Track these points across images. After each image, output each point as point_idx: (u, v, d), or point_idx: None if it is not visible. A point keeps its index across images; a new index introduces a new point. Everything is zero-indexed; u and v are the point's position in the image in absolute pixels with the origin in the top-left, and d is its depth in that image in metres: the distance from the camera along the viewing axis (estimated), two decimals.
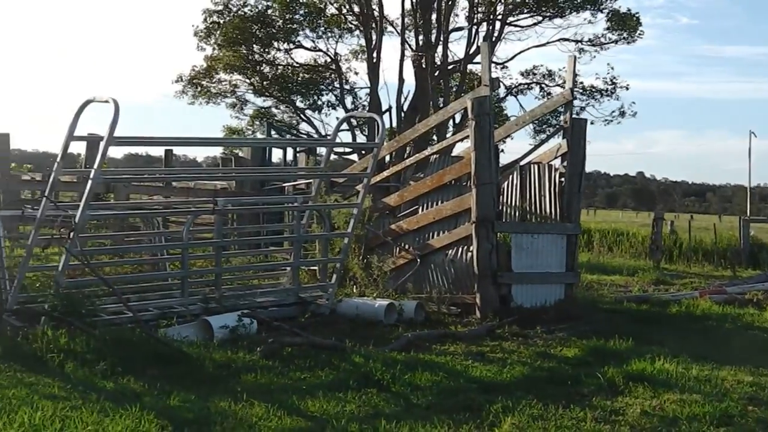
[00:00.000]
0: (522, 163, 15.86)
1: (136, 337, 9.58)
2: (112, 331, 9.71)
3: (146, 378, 8.40)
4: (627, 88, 40.90)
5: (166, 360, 9.05)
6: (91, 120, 10.54)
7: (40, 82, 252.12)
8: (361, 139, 38.76)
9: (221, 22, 40.46)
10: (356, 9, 40.73)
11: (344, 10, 41.63)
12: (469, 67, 39.57)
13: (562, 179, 14.59)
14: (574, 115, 15.56)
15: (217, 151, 45.49)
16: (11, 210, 12.65)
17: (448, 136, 29.83)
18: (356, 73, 42.97)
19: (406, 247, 15.09)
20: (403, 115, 38.02)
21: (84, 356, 8.91)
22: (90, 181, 10.15)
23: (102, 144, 10.14)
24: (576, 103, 19.24)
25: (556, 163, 15.08)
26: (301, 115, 42.90)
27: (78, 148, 20.61)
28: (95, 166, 10.22)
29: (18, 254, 12.02)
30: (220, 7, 40.61)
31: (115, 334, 9.52)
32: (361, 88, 42.13)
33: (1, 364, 8.55)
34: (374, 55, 39.25)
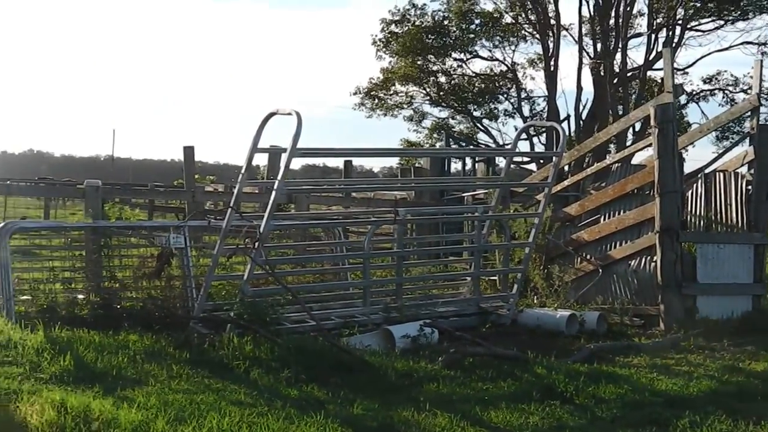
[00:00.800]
0: (707, 171, 15.37)
1: (319, 345, 9.69)
2: (295, 339, 9.87)
3: (329, 386, 8.46)
4: None
5: (348, 368, 9.11)
6: (270, 132, 10.75)
7: (219, 96, 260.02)
8: (538, 148, 38.39)
9: (399, 32, 40.80)
10: (532, 18, 40.39)
11: (520, 19, 41.37)
12: (649, 73, 38.69)
13: (749, 187, 14.07)
14: (761, 122, 15.00)
15: (393, 162, 45.91)
16: (197, 220, 13.03)
17: (627, 144, 29.25)
18: (532, 79, 42.74)
19: (587, 257, 14.83)
20: (581, 123, 37.51)
21: (269, 364, 9.06)
22: (274, 192, 10.35)
23: (285, 155, 10.34)
24: (763, 109, 18.48)
25: (743, 170, 14.58)
26: (478, 125, 42.82)
27: (258, 159, 21.10)
28: (279, 177, 10.42)
29: (204, 263, 12.37)
30: (398, 17, 40.98)
31: (299, 343, 9.65)
32: (539, 96, 41.84)
33: (189, 370, 8.76)
34: (551, 63, 38.84)
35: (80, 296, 11.58)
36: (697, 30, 38.78)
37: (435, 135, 43.35)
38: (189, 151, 17.32)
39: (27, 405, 7.15)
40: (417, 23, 40.89)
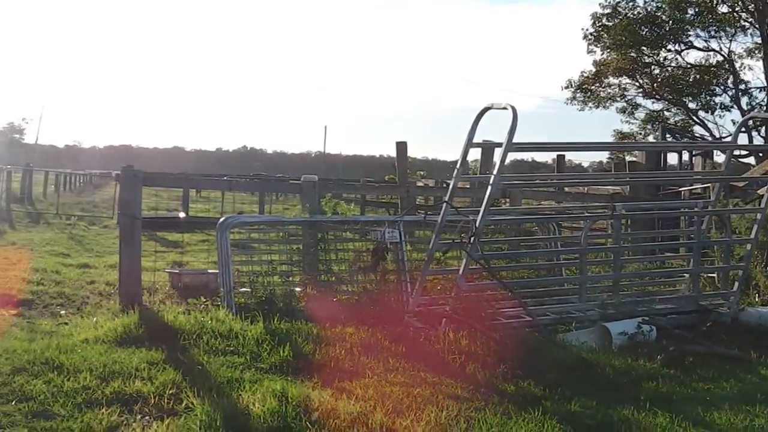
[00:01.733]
0: None
1: (535, 341, 9.57)
2: (511, 334, 9.76)
3: (546, 382, 8.29)
4: None
5: (565, 365, 8.92)
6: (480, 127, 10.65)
7: (425, 92, 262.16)
8: (757, 141, 36.93)
9: (610, 25, 40.12)
10: (750, 6, 38.86)
11: (737, 8, 39.88)
12: None
13: None
14: None
15: (603, 156, 45.25)
16: (412, 215, 13.09)
17: None
18: (750, 69, 41.18)
19: None
20: None
21: (484, 359, 8.96)
22: (489, 187, 10.26)
23: (501, 150, 10.23)
24: None
25: None
26: (694, 117, 41.63)
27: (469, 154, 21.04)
28: (495, 172, 10.33)
29: (417, 258, 12.41)
30: (609, 10, 40.28)
31: (515, 338, 9.54)
32: (757, 88, 40.27)
33: (405, 363, 8.78)
34: None
35: (297, 289, 11.82)
36: None
37: (648, 127, 42.42)
38: (402, 146, 17.43)
39: (249, 393, 7.32)
40: (628, 15, 40.05)
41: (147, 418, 7.01)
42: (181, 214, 29.57)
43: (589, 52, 41.55)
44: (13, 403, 7.17)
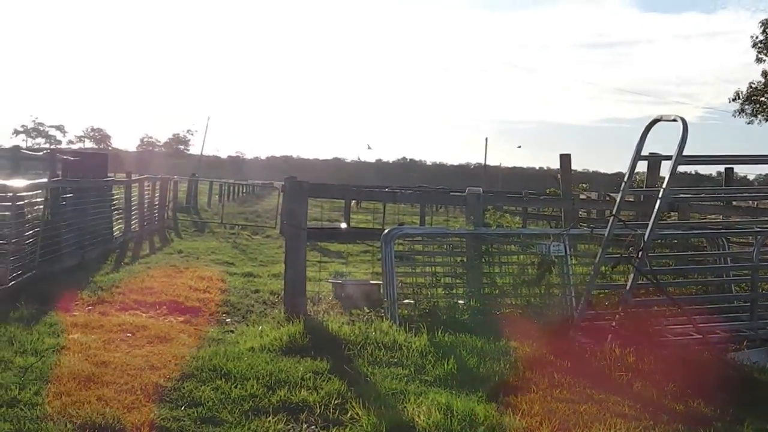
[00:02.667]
0: None
1: (704, 359, 9.28)
2: (679, 352, 9.49)
3: (716, 402, 8.03)
4: None
5: (736, 385, 8.62)
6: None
7: (590, 105, 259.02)
8: None
9: None
10: None
11: None
12: None
13: None
14: None
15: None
16: (577, 229, 12.90)
17: None
18: None
19: None
20: None
21: (652, 376, 8.74)
22: (658, 200, 10.03)
23: (670, 163, 10.00)
24: None
25: None
26: None
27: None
28: (665, 185, 10.10)
29: (582, 272, 12.21)
30: None
31: (683, 356, 9.28)
32: None
33: (570, 379, 8.64)
34: None
35: (460, 301, 11.78)
36: None
37: None
38: (566, 158, 17.21)
39: (414, 405, 7.32)
40: None
41: (313, 427, 7.09)
42: (343, 225, 29.95)
43: (759, 60, 40.35)
44: (183, 408, 7.36)
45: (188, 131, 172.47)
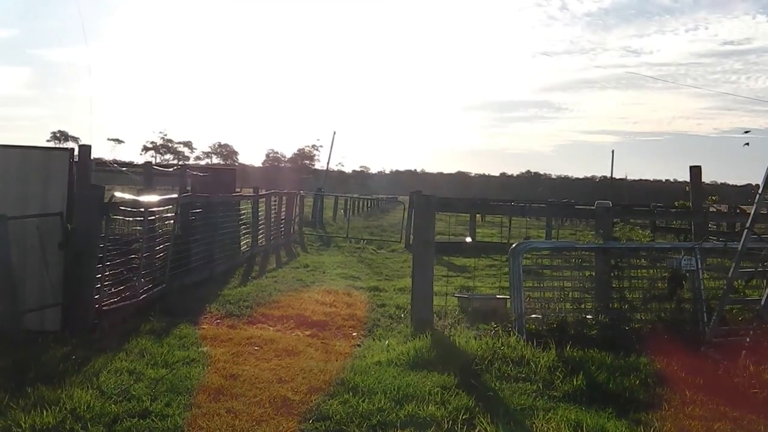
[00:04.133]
0: None
1: None
2: None
3: None
4: None
5: None
6: None
7: (713, 114, 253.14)
8: None
9: None
10: None
11: None
12: None
13: None
14: None
15: None
16: (709, 242, 12.61)
17: None
18: None
19: None
20: None
21: None
22: None
23: None
24: None
25: None
26: None
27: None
28: None
29: (714, 286, 11.91)
30: None
31: None
32: None
33: (702, 396, 8.46)
34: None
35: (589, 316, 11.61)
36: None
37: None
38: (696, 170, 16.81)
39: (543, 422, 7.28)
40: None
41: None
42: (468, 239, 29.88)
43: None
44: (311, 421, 7.45)
45: (313, 146, 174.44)
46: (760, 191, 10.37)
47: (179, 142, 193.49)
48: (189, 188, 18.96)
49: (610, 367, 9.24)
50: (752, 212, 10.53)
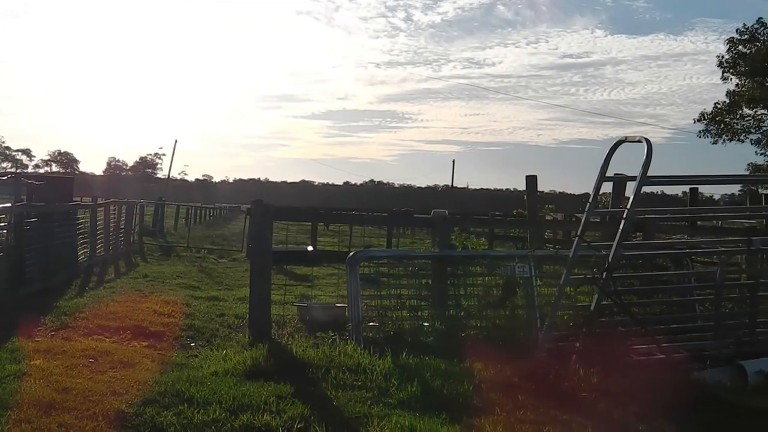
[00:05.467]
0: None
1: (668, 379, 9.31)
2: (644, 372, 9.51)
3: (679, 422, 8.08)
4: None
5: (699, 405, 8.66)
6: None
7: (551, 127, 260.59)
8: None
9: (747, 51, 39.30)
10: None
11: None
12: None
13: None
14: None
15: (734, 189, 44.20)
16: (543, 250, 12.92)
17: None
18: None
19: None
20: None
21: (616, 397, 8.77)
22: (623, 221, 10.08)
23: (634, 183, 10.05)
24: None
25: None
26: None
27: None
28: (629, 206, 10.15)
29: (547, 293, 12.21)
30: (746, 36, 39.43)
31: (648, 376, 9.30)
32: None
33: (534, 400, 8.64)
34: None
35: (425, 324, 11.75)
36: None
37: None
38: (531, 180, 17.25)
39: (377, 429, 7.29)
40: (767, 42, 39.19)
41: None
42: (309, 248, 29.85)
43: (724, 79, 40.73)
44: None
45: (156, 154, 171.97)
46: (590, 200, 10.69)
47: (17, 150, 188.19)
48: (24, 197, 18.38)
49: (445, 373, 9.35)
50: (583, 221, 10.84)
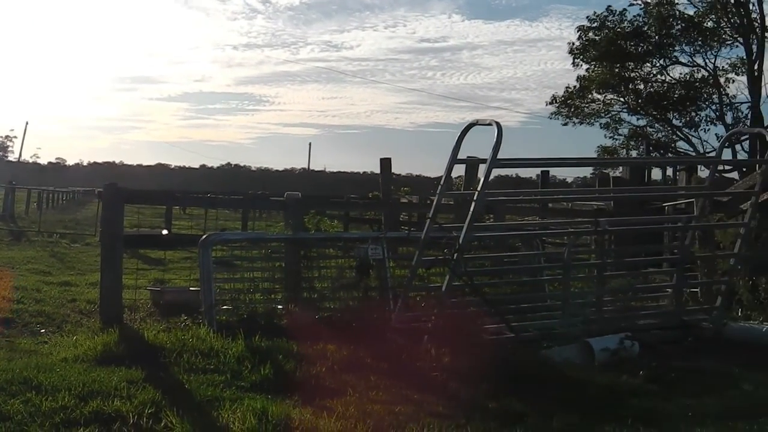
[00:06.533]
0: None
1: (517, 357, 9.52)
2: (494, 351, 9.71)
3: (528, 399, 8.25)
4: None
5: (548, 381, 8.88)
6: (467, 143, 10.67)
7: (410, 110, 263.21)
8: (741, 155, 37.17)
9: (597, 38, 40.34)
10: (734, 20, 39.18)
11: (722, 23, 40.18)
12: None
13: None
14: None
15: (587, 172, 45.41)
16: (395, 232, 13.04)
17: None
18: (732, 82, 41.31)
19: None
20: None
21: (467, 375, 8.91)
22: (474, 203, 10.24)
23: (484, 166, 10.22)
24: None
25: None
26: (678, 133, 41.80)
27: (455, 170, 20.99)
28: (479, 188, 10.31)
29: (401, 274, 12.35)
30: (596, 24, 40.48)
31: (498, 354, 9.50)
32: (741, 102, 40.47)
33: (387, 380, 8.72)
34: (755, 67, 37.57)
35: (279, 306, 11.75)
36: None
37: (632, 143, 42.55)
38: (386, 162, 17.38)
39: (229, 412, 7.25)
40: (616, 30, 40.28)
41: None
42: (164, 232, 29.45)
43: (575, 65, 41.79)
44: None
45: (6, 136, 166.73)
46: (442, 182, 10.85)
47: None
48: None
49: (298, 355, 9.35)
50: (434, 203, 10.99)
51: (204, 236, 12.00)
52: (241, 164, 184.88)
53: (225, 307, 11.59)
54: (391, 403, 7.88)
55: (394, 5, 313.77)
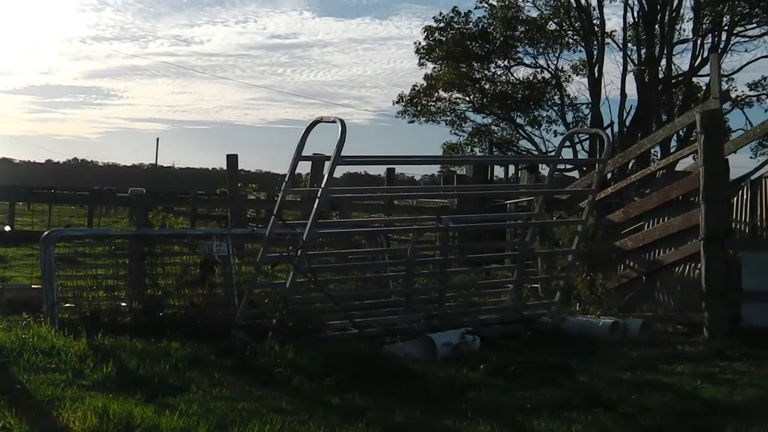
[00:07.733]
0: (752, 177, 15.19)
1: (361, 353, 9.67)
2: (337, 346, 9.86)
3: (371, 394, 8.40)
4: None
5: (390, 376, 9.05)
6: (313, 140, 10.76)
7: (260, 105, 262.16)
8: (581, 155, 38.27)
9: (443, 39, 40.87)
10: (576, 25, 40.33)
11: (564, 26, 41.32)
12: (694, 80, 38.58)
13: None
14: None
15: (434, 170, 46.01)
16: (240, 228, 13.06)
17: (672, 151, 29.07)
18: (570, 81, 42.47)
19: (631, 264, 14.70)
20: (625, 130, 37.38)
21: (310, 371, 9.03)
22: (317, 200, 10.36)
23: (329, 163, 10.35)
24: None
25: None
26: (521, 132, 42.73)
27: (301, 168, 21.07)
28: (323, 185, 10.43)
29: (246, 271, 12.38)
30: (442, 25, 41.03)
31: (341, 350, 9.65)
32: (582, 103, 41.67)
33: (231, 377, 8.77)
34: (595, 70, 38.77)
35: (123, 304, 11.64)
36: (743, 36, 38.62)
37: (475, 140, 43.27)
38: (232, 159, 17.32)
39: (69, 412, 7.17)
40: (461, 30, 40.90)
41: None
42: (7, 228, 28.64)
43: (421, 65, 42.25)
44: None
45: None
46: (286, 179, 10.93)
47: None
48: None
49: (141, 353, 9.29)
50: (279, 200, 11.06)
51: (45, 233, 11.78)
52: (89, 159, 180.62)
53: (68, 305, 11.41)
54: (234, 400, 7.94)
55: (245, 0, 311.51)
